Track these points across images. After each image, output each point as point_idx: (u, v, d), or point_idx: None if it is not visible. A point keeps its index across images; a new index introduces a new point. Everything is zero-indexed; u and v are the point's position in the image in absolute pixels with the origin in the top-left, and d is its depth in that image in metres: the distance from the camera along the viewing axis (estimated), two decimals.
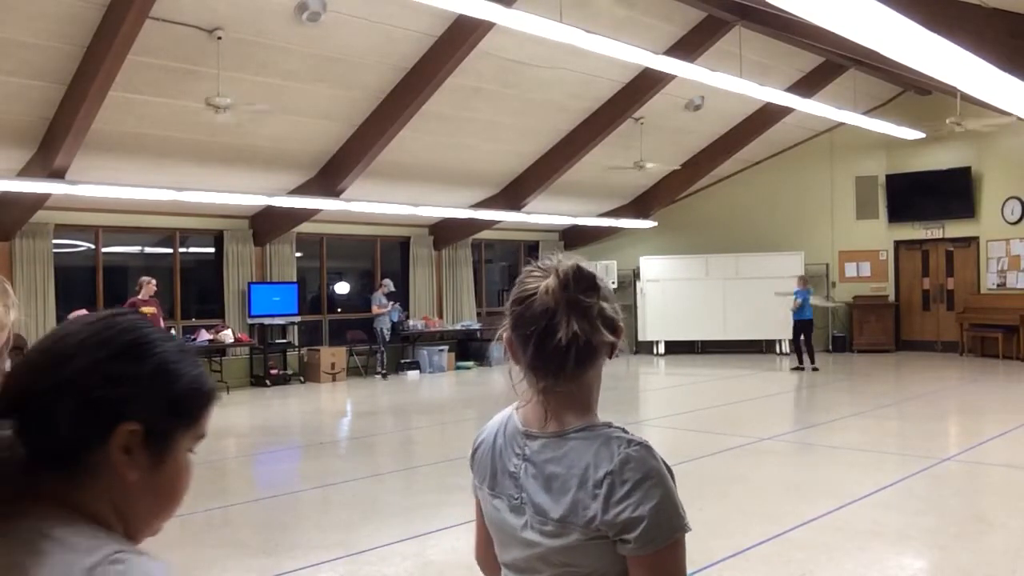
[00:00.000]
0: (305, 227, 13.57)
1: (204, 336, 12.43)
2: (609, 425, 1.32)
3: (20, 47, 7.98)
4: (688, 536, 1.28)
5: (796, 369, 13.65)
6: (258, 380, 13.14)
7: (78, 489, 0.87)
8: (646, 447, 1.27)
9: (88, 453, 0.86)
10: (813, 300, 13.91)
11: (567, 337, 1.26)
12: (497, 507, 1.39)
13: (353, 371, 14.25)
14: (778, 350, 16.10)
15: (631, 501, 1.23)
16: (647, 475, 1.24)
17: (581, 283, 1.30)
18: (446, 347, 15.07)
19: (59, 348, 0.89)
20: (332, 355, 13.73)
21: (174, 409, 0.90)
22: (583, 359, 1.29)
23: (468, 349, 15.75)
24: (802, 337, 13.58)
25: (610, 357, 1.35)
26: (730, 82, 9.99)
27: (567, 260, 1.34)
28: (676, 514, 1.25)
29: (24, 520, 0.84)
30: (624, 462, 1.25)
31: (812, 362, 13.51)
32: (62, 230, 11.69)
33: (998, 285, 14.98)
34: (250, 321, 13.14)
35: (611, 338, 1.31)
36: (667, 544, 1.24)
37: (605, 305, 1.31)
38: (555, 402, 1.32)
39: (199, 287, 13.88)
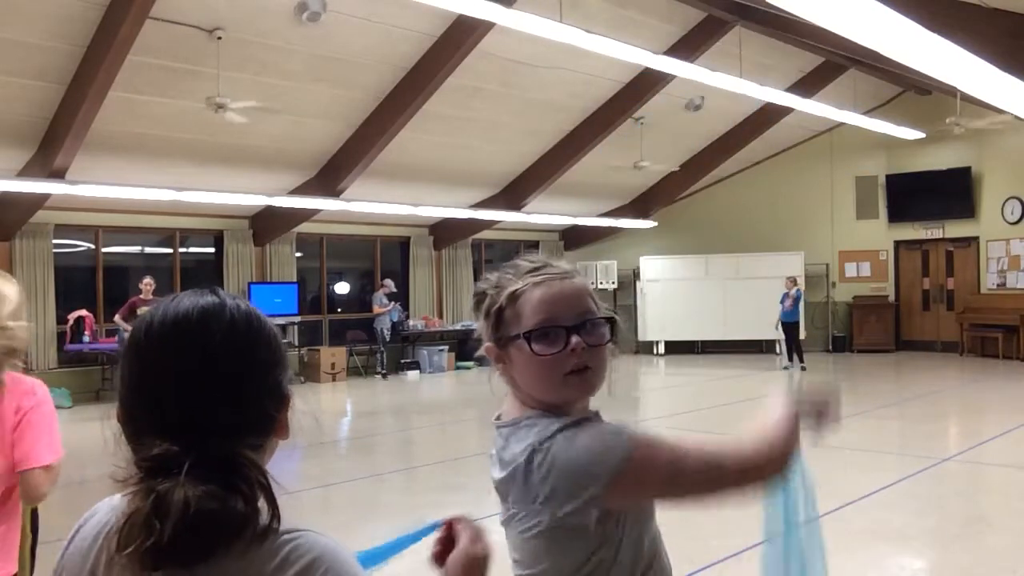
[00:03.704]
0: (305, 227, 13.57)
1: None
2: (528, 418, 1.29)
3: (20, 47, 7.98)
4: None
5: (786, 368, 13.76)
6: None
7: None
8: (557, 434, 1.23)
9: (274, 432, 0.96)
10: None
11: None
12: None
13: (353, 371, 14.25)
14: (778, 350, 16.09)
15: (546, 466, 1.20)
16: (563, 439, 1.21)
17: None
18: (446, 347, 15.07)
19: (229, 359, 0.91)
20: (332, 355, 13.72)
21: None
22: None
23: (468, 349, 15.73)
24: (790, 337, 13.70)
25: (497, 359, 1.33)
26: (730, 82, 9.98)
27: (552, 260, 1.35)
28: (608, 447, 1.17)
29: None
30: (534, 451, 1.22)
31: (801, 361, 13.55)
32: (62, 230, 11.69)
33: (998, 285, 14.98)
34: None
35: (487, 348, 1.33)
36: (619, 472, 1.16)
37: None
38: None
39: (202, 286, 13.85)
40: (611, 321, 1.31)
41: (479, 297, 1.34)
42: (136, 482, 0.84)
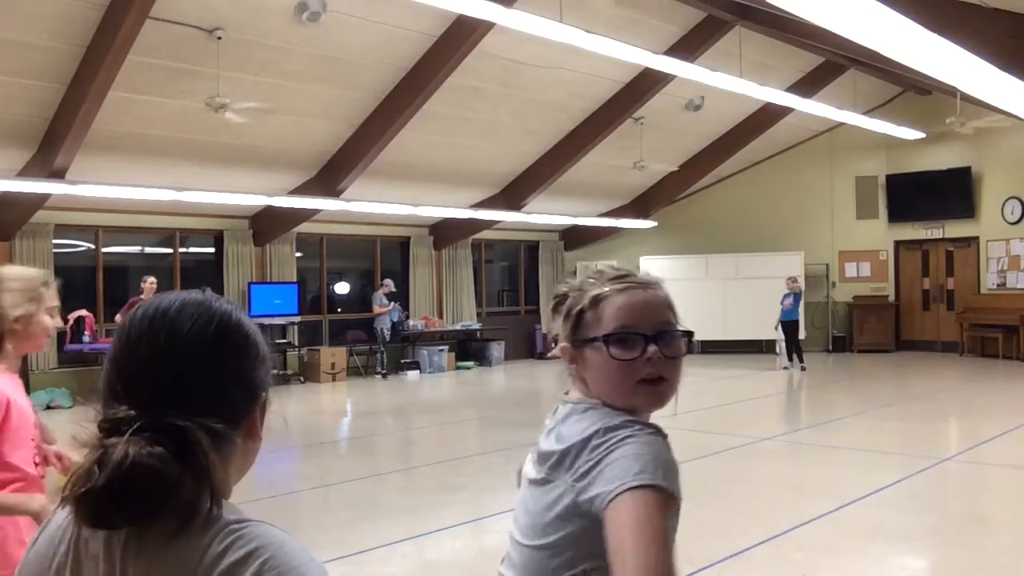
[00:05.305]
0: (305, 227, 13.57)
1: None
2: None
3: (20, 47, 7.98)
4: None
5: (786, 368, 13.77)
6: None
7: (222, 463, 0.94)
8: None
9: (237, 428, 0.97)
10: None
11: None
12: None
13: (353, 371, 14.24)
14: (778, 350, 16.09)
15: (600, 452, 1.19)
16: (625, 437, 1.19)
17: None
18: (446, 347, 15.07)
19: (197, 344, 0.95)
20: (332, 355, 13.72)
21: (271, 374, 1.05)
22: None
23: (468, 349, 15.74)
24: (789, 337, 13.69)
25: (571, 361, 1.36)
26: (730, 82, 9.99)
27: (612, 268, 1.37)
28: (648, 467, 1.14)
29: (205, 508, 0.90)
30: (607, 428, 1.22)
31: (800, 361, 13.54)
32: (62, 230, 11.68)
33: (998, 285, 14.98)
34: None
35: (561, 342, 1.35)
36: (630, 488, 1.12)
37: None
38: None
39: (199, 287, 13.83)
40: (689, 335, 1.32)
41: (559, 298, 1.38)
42: (94, 442, 0.89)
